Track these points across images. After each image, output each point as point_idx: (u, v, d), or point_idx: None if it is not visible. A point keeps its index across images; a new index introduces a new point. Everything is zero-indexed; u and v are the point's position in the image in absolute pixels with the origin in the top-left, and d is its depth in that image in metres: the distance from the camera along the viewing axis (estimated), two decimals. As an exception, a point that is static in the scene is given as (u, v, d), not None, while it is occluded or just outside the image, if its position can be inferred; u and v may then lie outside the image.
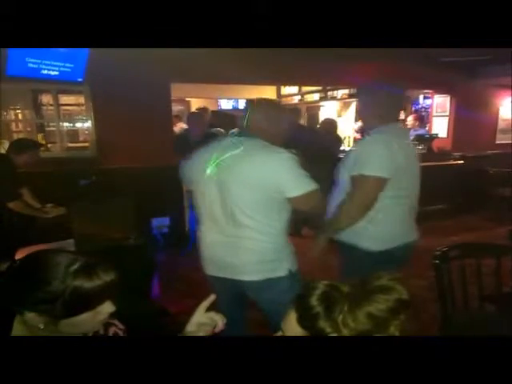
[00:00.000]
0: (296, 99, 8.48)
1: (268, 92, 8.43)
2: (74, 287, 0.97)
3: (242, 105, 9.12)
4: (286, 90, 8.42)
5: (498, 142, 7.04)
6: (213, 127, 4.94)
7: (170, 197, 4.72)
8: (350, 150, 2.20)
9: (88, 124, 4.71)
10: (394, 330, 0.82)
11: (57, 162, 4.44)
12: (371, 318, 0.79)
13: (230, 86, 6.98)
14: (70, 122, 5.15)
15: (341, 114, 7.85)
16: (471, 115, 6.50)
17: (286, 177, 1.74)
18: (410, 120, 6.31)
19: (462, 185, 6.06)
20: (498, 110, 6.91)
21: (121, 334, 1.22)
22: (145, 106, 4.63)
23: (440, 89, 6.55)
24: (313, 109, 8.33)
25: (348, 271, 2.13)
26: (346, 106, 7.71)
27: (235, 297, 2.01)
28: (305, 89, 7.97)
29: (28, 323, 1.01)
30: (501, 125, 7.02)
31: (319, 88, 7.57)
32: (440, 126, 6.69)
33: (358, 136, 6.35)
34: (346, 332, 0.80)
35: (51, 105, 4.78)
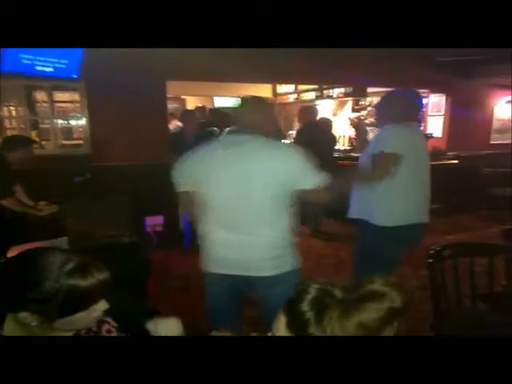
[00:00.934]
0: (292, 98, 8.48)
1: (264, 90, 8.44)
2: (68, 287, 0.96)
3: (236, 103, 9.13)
4: (282, 88, 8.41)
5: (492, 141, 7.08)
6: (209, 126, 4.93)
7: (165, 195, 4.70)
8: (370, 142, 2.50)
9: (82, 121, 4.69)
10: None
11: (50, 160, 4.41)
12: (360, 327, 0.74)
13: (226, 84, 6.97)
14: (64, 119, 5.12)
15: (336, 113, 7.85)
16: (466, 115, 6.53)
17: (299, 170, 1.79)
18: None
19: (456, 184, 6.08)
20: (492, 109, 6.95)
21: (114, 331, 1.21)
22: (140, 103, 4.62)
23: (436, 88, 6.57)
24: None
25: (361, 247, 2.42)
26: (342, 104, 7.71)
27: (238, 294, 2.03)
28: (301, 87, 7.96)
29: (20, 321, 1.00)
30: (495, 125, 7.06)
31: (315, 86, 7.57)
32: (435, 126, 6.71)
33: (353, 134, 6.35)
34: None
35: (45, 102, 4.75)
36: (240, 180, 1.78)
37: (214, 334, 1.25)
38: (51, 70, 4.01)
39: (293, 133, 6.75)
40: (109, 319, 1.21)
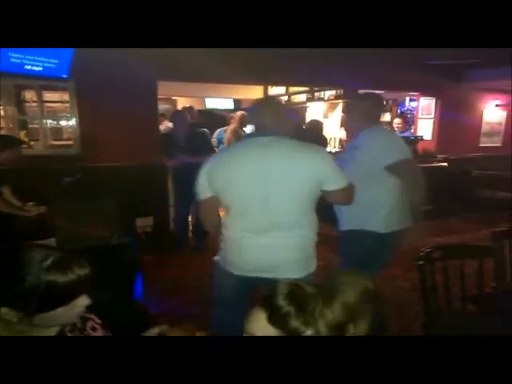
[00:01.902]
0: (283, 100, 8.49)
1: (255, 92, 8.43)
2: (47, 282, 0.97)
3: (228, 104, 9.12)
4: (273, 90, 8.42)
5: (481, 144, 7.15)
6: (199, 126, 4.92)
7: (155, 196, 4.69)
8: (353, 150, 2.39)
9: (72, 121, 4.64)
10: (364, 322, 0.86)
11: (39, 160, 4.36)
12: (345, 306, 0.84)
13: (218, 85, 6.95)
14: (53, 119, 5.06)
15: (327, 115, 7.87)
16: (456, 118, 6.59)
17: (328, 171, 1.82)
18: (399, 123, 6.36)
19: (445, 187, 6.13)
20: (481, 113, 7.02)
21: (98, 328, 1.21)
22: (131, 104, 4.59)
23: (426, 91, 6.63)
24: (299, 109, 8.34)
25: (353, 256, 2.36)
26: (333, 107, 7.73)
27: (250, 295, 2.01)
28: (292, 89, 7.98)
29: (1, 317, 0.99)
30: (484, 128, 7.13)
31: (306, 89, 7.58)
32: (425, 129, 6.76)
33: (344, 136, 6.37)
34: (321, 325, 0.82)
35: (34, 101, 4.70)
36: (267, 182, 1.77)
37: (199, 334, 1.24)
38: (41, 69, 3.96)
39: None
40: (92, 316, 1.22)
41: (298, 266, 1.85)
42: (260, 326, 0.88)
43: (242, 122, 5.58)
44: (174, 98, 8.43)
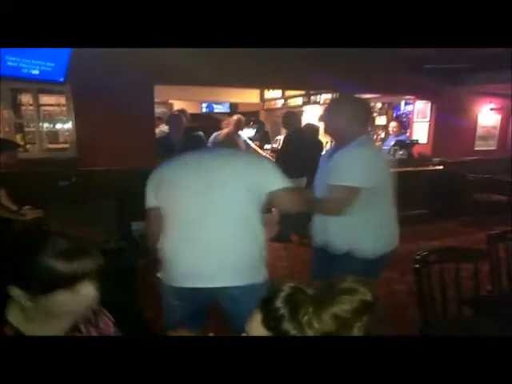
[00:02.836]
0: (279, 103, 8.51)
1: (251, 96, 8.46)
2: (49, 264, 0.99)
3: (225, 108, 9.14)
4: (270, 94, 8.45)
5: (476, 148, 7.18)
6: (195, 130, 4.91)
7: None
8: (329, 158, 2.19)
9: (68, 125, 4.64)
10: (357, 332, 0.83)
11: (36, 163, 4.35)
12: (335, 318, 0.80)
13: (214, 89, 6.97)
14: (50, 123, 5.05)
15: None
16: (451, 121, 6.62)
17: (262, 171, 1.80)
18: (394, 126, 6.39)
19: (441, 190, 6.16)
20: (476, 117, 7.06)
21: (110, 323, 1.24)
22: (127, 107, 4.58)
23: (421, 95, 6.66)
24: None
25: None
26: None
27: (204, 307, 1.98)
28: (288, 93, 8.01)
29: (16, 301, 1.03)
30: (479, 132, 7.17)
31: (302, 92, 7.61)
32: (420, 132, 6.79)
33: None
34: (310, 333, 0.80)
35: (31, 105, 4.69)
36: (205, 190, 1.76)
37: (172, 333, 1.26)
38: (37, 72, 3.96)
39: (280, 138, 6.78)
40: (105, 311, 1.24)
41: (235, 275, 1.78)
42: (255, 327, 0.87)
43: (238, 126, 5.58)
44: (170, 101, 8.44)
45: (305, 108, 7.91)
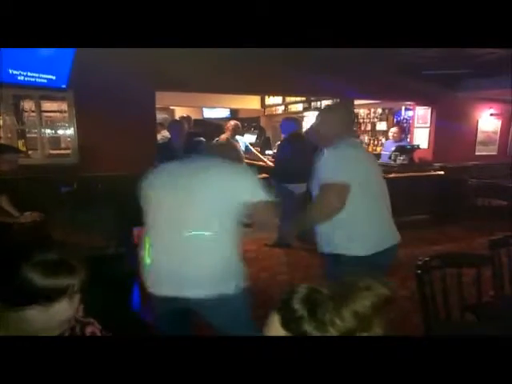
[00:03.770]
0: (280, 109, 8.54)
1: (252, 102, 8.49)
2: (26, 276, 0.98)
3: (225, 114, 9.16)
4: (270, 100, 8.48)
5: (477, 153, 7.19)
6: (195, 136, 4.93)
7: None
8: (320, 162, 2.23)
9: (70, 131, 4.65)
10: (376, 329, 0.83)
11: (37, 169, 4.36)
12: (356, 315, 0.80)
13: (215, 95, 6.99)
14: (51, 129, 5.07)
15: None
16: (451, 127, 6.64)
17: (238, 181, 1.82)
18: (395, 132, 6.40)
19: (442, 195, 6.16)
20: (477, 122, 7.07)
21: (98, 333, 1.21)
22: (129, 113, 4.60)
23: (421, 101, 6.68)
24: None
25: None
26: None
27: (182, 319, 1.98)
28: (289, 99, 8.03)
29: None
30: (480, 137, 7.18)
31: (303, 98, 7.64)
32: (421, 137, 6.81)
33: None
34: (333, 332, 0.80)
35: (33, 111, 4.71)
36: (180, 196, 1.78)
37: None
38: (40, 81, 3.99)
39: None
40: (93, 320, 1.21)
41: (202, 286, 1.75)
42: (273, 330, 0.86)
43: (235, 132, 5.61)
44: (171, 107, 8.47)
45: (305, 114, 7.93)
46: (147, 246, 1.87)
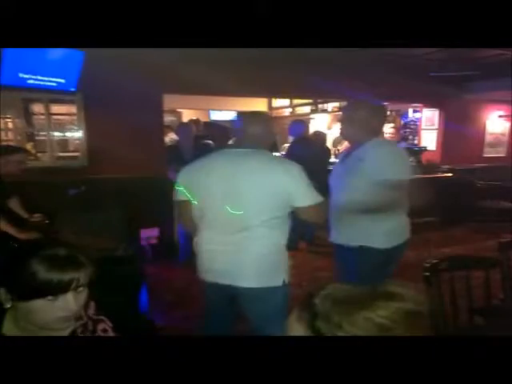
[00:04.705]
0: (287, 112, 8.54)
1: (259, 104, 8.49)
2: (33, 269, 0.99)
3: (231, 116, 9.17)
4: (278, 102, 8.48)
5: (485, 155, 7.14)
6: (204, 139, 4.95)
7: (160, 208, 4.70)
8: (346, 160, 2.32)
9: (79, 134, 4.69)
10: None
11: (46, 172, 4.40)
12: (369, 322, 0.75)
13: (222, 98, 7.01)
14: (60, 132, 5.12)
15: (331, 126, 7.91)
16: (459, 129, 6.60)
17: (297, 188, 1.83)
18: (392, 132, 6.39)
19: (450, 197, 6.12)
20: (484, 124, 7.03)
21: (109, 330, 1.22)
22: (137, 116, 4.63)
23: (429, 103, 6.65)
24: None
25: (356, 274, 2.22)
26: (336, 118, 7.78)
27: (229, 306, 2.07)
28: (296, 101, 8.03)
29: (10, 310, 1.03)
30: (488, 139, 7.13)
31: (310, 101, 7.63)
32: (429, 139, 6.78)
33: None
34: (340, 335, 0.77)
35: (42, 114, 4.75)
36: (235, 191, 1.82)
37: None
38: (50, 84, 4.03)
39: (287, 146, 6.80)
40: (104, 318, 1.22)
41: (255, 276, 1.86)
42: (292, 322, 0.86)
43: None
44: (179, 110, 8.50)
45: (312, 116, 7.93)
46: (201, 236, 1.97)
